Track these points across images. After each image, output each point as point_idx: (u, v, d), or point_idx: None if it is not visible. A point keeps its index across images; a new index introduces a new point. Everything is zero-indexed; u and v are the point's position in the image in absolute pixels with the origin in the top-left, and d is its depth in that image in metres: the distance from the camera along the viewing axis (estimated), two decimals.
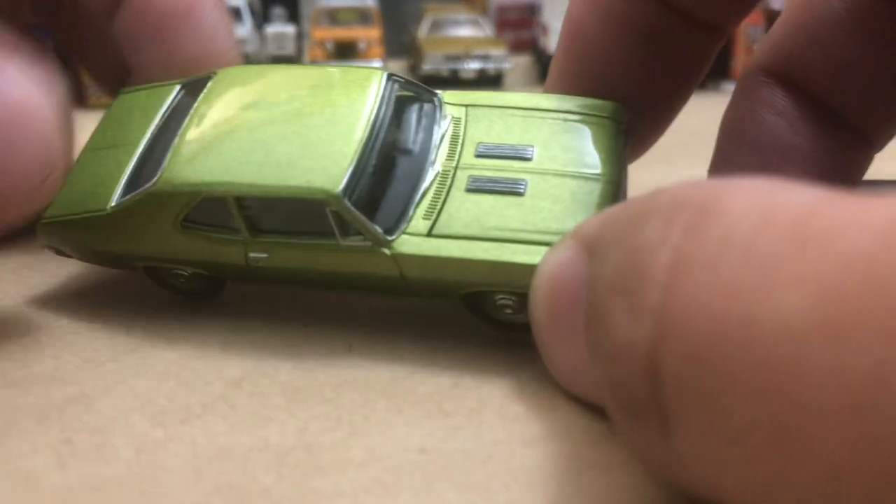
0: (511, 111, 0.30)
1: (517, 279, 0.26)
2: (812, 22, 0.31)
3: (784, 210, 0.16)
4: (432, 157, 0.29)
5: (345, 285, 0.29)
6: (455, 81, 0.84)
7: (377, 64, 0.84)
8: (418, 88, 0.31)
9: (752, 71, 0.33)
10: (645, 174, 0.34)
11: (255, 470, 0.22)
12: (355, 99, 0.29)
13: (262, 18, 0.91)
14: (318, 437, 0.23)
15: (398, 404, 0.25)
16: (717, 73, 0.76)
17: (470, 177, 0.28)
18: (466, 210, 0.27)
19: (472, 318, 0.28)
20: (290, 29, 0.91)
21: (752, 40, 0.78)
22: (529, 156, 0.29)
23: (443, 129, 0.30)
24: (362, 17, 0.91)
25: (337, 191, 0.26)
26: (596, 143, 0.29)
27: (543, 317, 0.23)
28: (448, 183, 0.28)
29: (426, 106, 0.30)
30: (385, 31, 0.90)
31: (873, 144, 0.33)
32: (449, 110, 0.30)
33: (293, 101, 0.29)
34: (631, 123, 0.30)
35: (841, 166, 0.32)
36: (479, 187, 0.28)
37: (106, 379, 0.26)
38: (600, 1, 0.31)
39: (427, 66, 0.85)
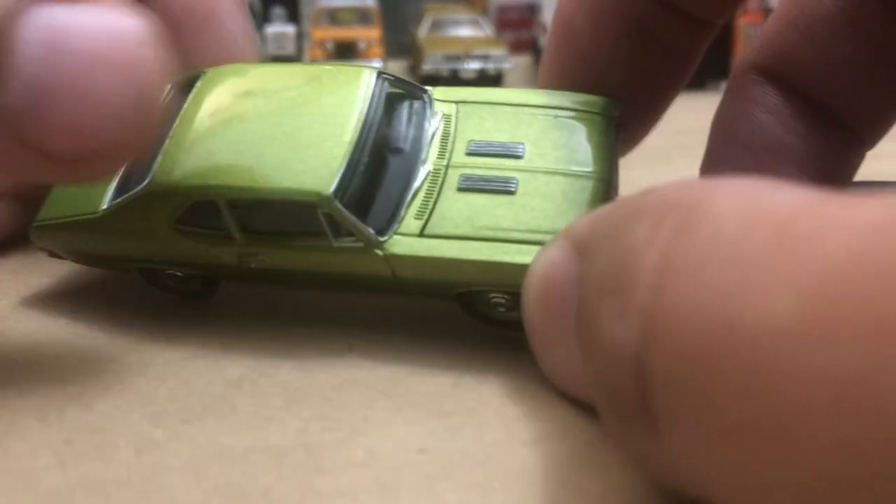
0: (502, 107, 0.30)
1: (510, 279, 0.26)
2: (803, 20, 0.31)
3: (771, 211, 0.16)
4: (423, 155, 0.29)
5: (338, 285, 0.29)
6: (455, 81, 0.84)
7: (377, 64, 0.83)
8: (408, 85, 0.31)
9: (743, 69, 0.33)
10: (645, 174, 0.34)
11: (255, 470, 0.22)
12: (345, 98, 0.28)
13: (262, 18, 0.91)
14: (318, 437, 0.23)
15: (398, 404, 0.25)
16: (717, 73, 0.76)
17: (461, 175, 0.28)
18: (458, 210, 0.27)
19: (480, 324, 0.28)
20: (290, 29, 0.91)
21: (751, 40, 0.78)
22: (520, 153, 0.29)
23: (433, 126, 0.30)
24: (362, 17, 0.91)
25: (328, 192, 0.26)
26: (587, 139, 0.29)
27: (535, 317, 0.24)
28: (439, 182, 0.28)
29: (416, 103, 0.30)
30: (385, 31, 0.90)
31: (865, 142, 0.33)
32: (439, 107, 0.30)
33: (283, 102, 0.29)
34: (622, 118, 0.30)
35: (833, 164, 0.32)
36: (471, 186, 0.28)
37: (106, 379, 0.26)
38: None
39: (427, 66, 0.85)
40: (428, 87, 0.31)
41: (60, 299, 0.33)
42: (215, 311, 0.31)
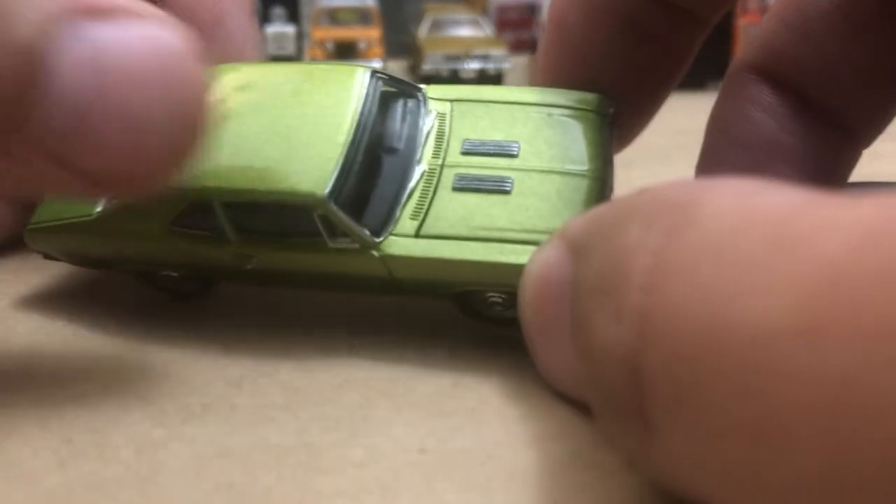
0: (496, 106, 0.30)
1: (506, 279, 0.26)
2: (799, 18, 0.31)
3: (766, 211, 0.16)
4: (418, 154, 0.29)
5: (334, 286, 0.29)
6: (455, 81, 0.84)
7: (377, 64, 0.83)
8: (402, 84, 0.31)
9: (738, 68, 0.33)
10: (644, 174, 0.34)
11: (255, 470, 0.22)
12: (339, 98, 0.28)
13: (262, 18, 0.91)
14: (318, 437, 0.23)
15: (398, 404, 0.25)
16: (717, 73, 0.76)
17: (456, 175, 0.28)
18: (453, 210, 0.27)
19: (476, 322, 0.28)
20: (290, 29, 0.91)
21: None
22: (515, 152, 0.29)
23: (428, 125, 0.30)
24: (362, 17, 0.91)
25: (323, 194, 0.26)
26: (581, 137, 0.29)
27: (531, 317, 0.24)
28: (434, 182, 0.28)
29: (410, 102, 0.30)
30: (385, 31, 0.90)
31: (861, 140, 0.33)
32: (433, 105, 0.30)
33: (276, 102, 0.29)
34: (616, 115, 0.30)
35: (828, 163, 0.32)
36: (466, 186, 0.28)
37: (106, 379, 0.26)
38: None
39: (427, 66, 0.85)
40: (422, 86, 0.31)
41: (60, 299, 0.32)
42: (215, 311, 0.31)
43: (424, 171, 0.28)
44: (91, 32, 0.21)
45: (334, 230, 0.27)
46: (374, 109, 0.29)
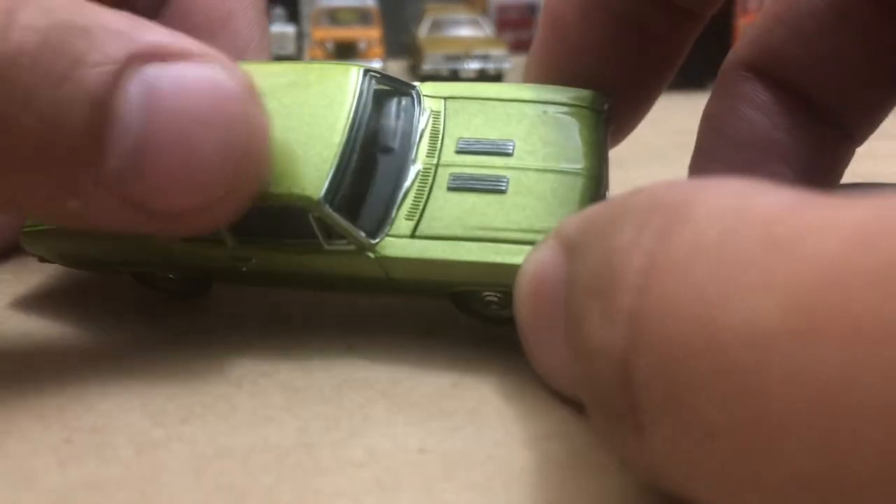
0: (490, 103, 0.30)
1: (502, 278, 0.26)
2: (792, 15, 0.31)
3: (756, 212, 0.16)
4: (413, 154, 0.29)
5: (331, 287, 0.29)
6: (455, 81, 0.84)
7: (377, 64, 0.84)
8: (395, 82, 0.30)
9: (732, 65, 0.33)
10: (643, 174, 0.34)
11: (255, 470, 0.22)
12: (332, 98, 0.28)
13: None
14: (318, 437, 0.23)
15: (398, 404, 0.25)
16: (717, 72, 0.76)
17: (451, 175, 0.28)
18: (449, 210, 0.27)
19: (473, 321, 0.28)
20: (290, 29, 0.91)
21: None
22: (510, 151, 0.28)
23: (422, 123, 0.29)
24: (362, 17, 0.91)
25: (318, 197, 0.26)
26: (576, 135, 0.29)
27: (526, 316, 0.24)
28: (430, 181, 0.28)
29: (405, 100, 0.30)
30: (385, 31, 0.90)
31: (854, 138, 0.33)
32: (427, 103, 0.30)
33: (271, 102, 0.28)
34: (611, 111, 0.30)
35: (822, 160, 0.32)
36: (461, 186, 0.28)
37: (106, 378, 0.26)
38: None
39: (427, 66, 0.85)
40: (416, 83, 0.31)
41: (60, 299, 0.33)
42: (215, 311, 0.31)
43: (419, 171, 0.28)
44: (152, 75, 0.22)
45: (330, 232, 0.27)
46: (369, 108, 0.28)
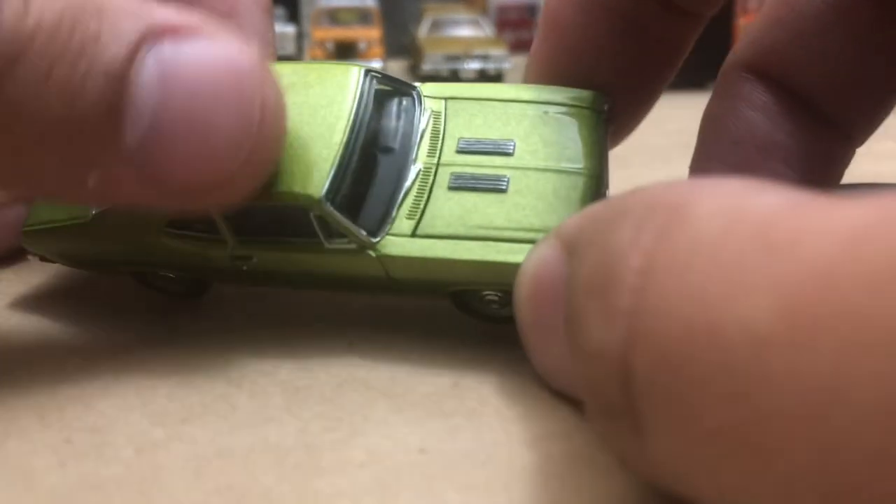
0: (490, 103, 0.30)
1: (503, 278, 0.26)
2: (792, 17, 0.31)
3: (752, 213, 0.16)
4: (413, 153, 0.29)
5: (331, 286, 0.29)
6: (455, 81, 0.84)
7: (377, 64, 0.84)
8: (396, 82, 0.30)
9: (732, 66, 0.33)
10: (645, 173, 0.34)
11: (255, 470, 0.22)
12: (333, 98, 0.28)
13: None
14: (318, 437, 0.23)
15: (398, 404, 0.25)
16: (718, 73, 0.76)
17: (452, 174, 0.28)
18: (450, 209, 0.27)
19: (473, 319, 0.28)
20: (290, 29, 0.91)
21: None
22: (510, 150, 0.28)
23: (423, 123, 0.29)
24: (362, 17, 0.91)
25: (319, 196, 0.26)
26: (576, 134, 0.29)
27: (527, 315, 0.24)
28: (430, 181, 0.28)
29: (405, 100, 0.30)
30: (385, 31, 0.90)
31: (854, 139, 0.33)
32: (428, 103, 0.30)
33: None
34: (611, 111, 0.30)
35: (822, 161, 0.32)
36: (462, 185, 0.28)
37: (106, 378, 0.26)
38: None
39: (427, 66, 0.85)
40: (416, 84, 0.31)
41: (60, 299, 0.33)
42: (215, 311, 0.31)
43: (420, 170, 0.28)
44: (167, 51, 0.23)
45: (331, 231, 0.27)
46: (369, 108, 0.28)
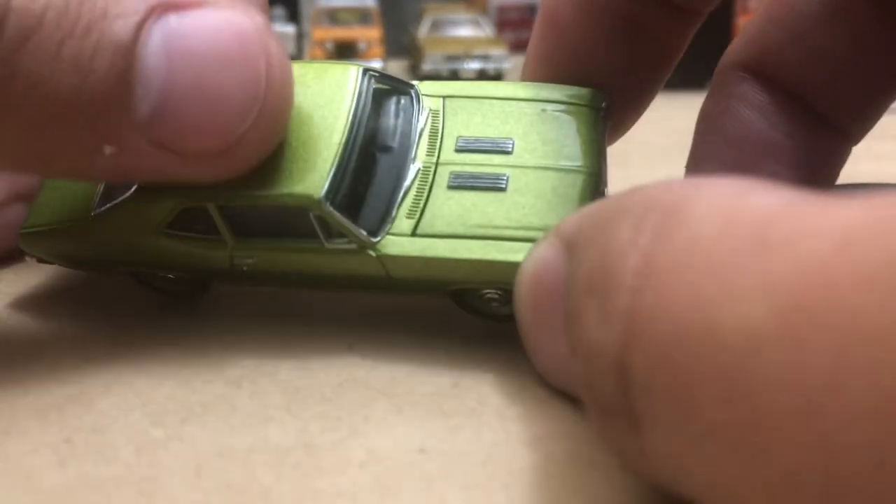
0: (489, 101, 0.30)
1: (503, 276, 0.26)
2: (788, 16, 0.31)
3: (748, 213, 0.16)
4: (412, 152, 0.29)
5: (331, 285, 0.29)
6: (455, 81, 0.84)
7: (377, 64, 0.83)
8: (394, 81, 0.30)
9: (728, 65, 0.33)
10: (645, 173, 0.34)
11: (255, 470, 0.22)
12: (332, 97, 0.28)
13: None
14: (318, 437, 0.23)
15: (398, 404, 0.25)
16: None
17: (451, 173, 0.28)
18: (449, 208, 0.27)
19: (473, 318, 0.28)
20: (290, 29, 0.91)
21: None
22: (509, 149, 0.28)
23: (421, 122, 0.29)
24: (362, 17, 0.91)
25: (319, 196, 0.26)
26: (575, 132, 0.29)
27: (526, 314, 0.24)
28: (429, 180, 0.28)
29: (404, 99, 0.30)
30: (385, 31, 0.90)
31: (850, 137, 0.33)
32: (426, 102, 0.30)
33: None
34: (609, 109, 0.30)
35: (818, 160, 0.32)
36: (461, 184, 0.28)
37: (106, 378, 0.26)
38: None
39: (427, 66, 0.85)
40: (415, 82, 0.31)
41: (60, 299, 0.33)
42: (215, 311, 0.31)
43: (419, 169, 0.28)
44: (172, 22, 0.24)
45: (331, 231, 0.27)
46: (368, 108, 0.28)
